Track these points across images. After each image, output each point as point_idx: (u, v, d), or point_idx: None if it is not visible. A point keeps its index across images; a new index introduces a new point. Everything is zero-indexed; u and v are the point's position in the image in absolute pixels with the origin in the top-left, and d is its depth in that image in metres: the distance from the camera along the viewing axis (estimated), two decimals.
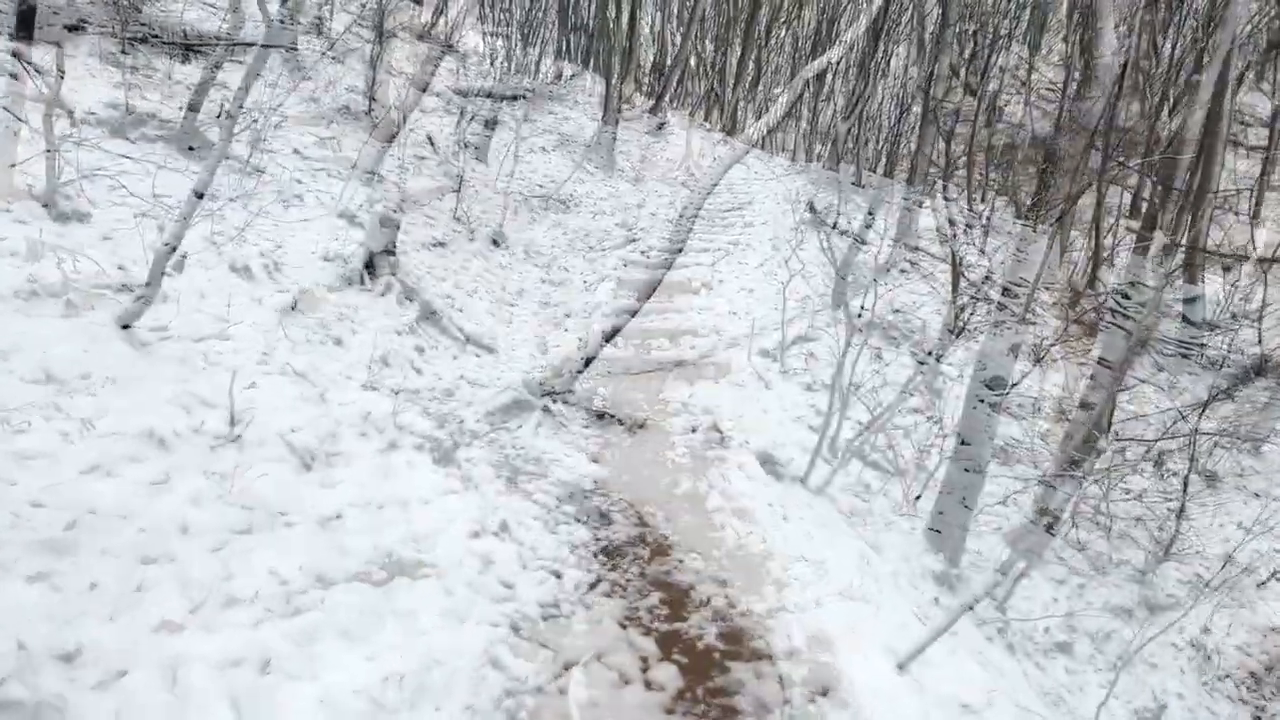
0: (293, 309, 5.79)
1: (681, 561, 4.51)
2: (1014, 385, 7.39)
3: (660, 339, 11.42)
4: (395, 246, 7.70)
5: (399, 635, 3.47)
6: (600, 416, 6.71)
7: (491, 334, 8.72)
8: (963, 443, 7.29)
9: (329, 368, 4.86)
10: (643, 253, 14.07)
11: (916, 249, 14.75)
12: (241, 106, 4.07)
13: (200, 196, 3.98)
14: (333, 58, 13.64)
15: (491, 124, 13.78)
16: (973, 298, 7.63)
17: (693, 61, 33.93)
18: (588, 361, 6.82)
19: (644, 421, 6.74)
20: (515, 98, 16.69)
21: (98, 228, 5.54)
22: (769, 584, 4.41)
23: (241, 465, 3.92)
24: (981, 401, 7.14)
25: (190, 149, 7.62)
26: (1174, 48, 16.92)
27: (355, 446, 4.37)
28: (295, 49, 12.20)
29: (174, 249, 4.03)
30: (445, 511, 4.17)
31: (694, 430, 6.93)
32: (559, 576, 4.08)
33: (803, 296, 14.07)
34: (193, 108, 7.43)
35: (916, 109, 18.69)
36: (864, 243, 13.63)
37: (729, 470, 6.18)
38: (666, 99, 20.72)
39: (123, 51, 7.59)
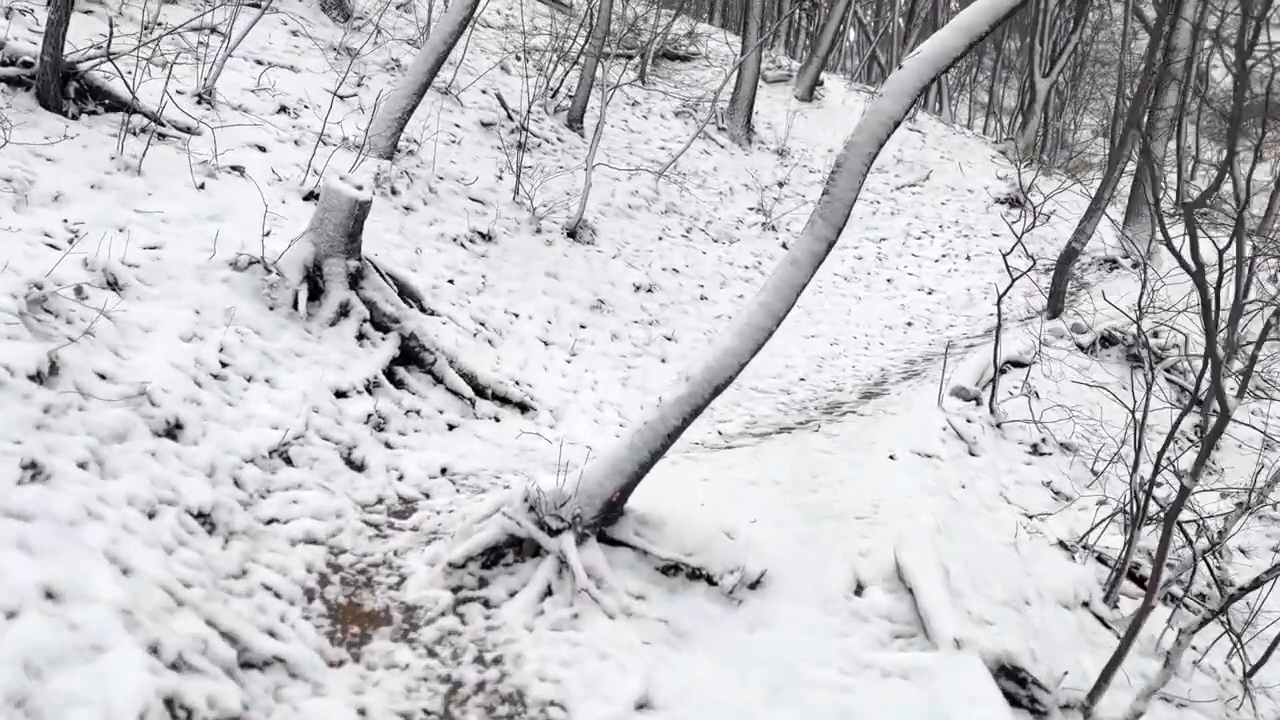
0: (42, 378, 2.91)
1: None
2: None
3: (801, 368, 8.00)
4: (359, 244, 4.75)
5: None
6: (671, 569, 3.48)
7: (533, 379, 5.65)
8: None
9: None
10: (783, 245, 10.65)
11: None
12: None
13: None
14: (398, 4, 11.02)
15: (590, 83, 10.74)
16: None
17: (851, 34, 29.65)
18: (657, 454, 3.57)
19: (759, 577, 3.46)
20: (629, 56, 13.63)
21: None
22: None
23: None
24: None
25: (62, 103, 4.95)
26: None
27: None
28: None
29: None
30: None
31: (859, 591, 3.58)
32: None
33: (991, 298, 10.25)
34: (52, 44, 4.74)
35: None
36: (1090, 227, 9.64)
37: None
38: (822, 52, 17.10)
39: None
